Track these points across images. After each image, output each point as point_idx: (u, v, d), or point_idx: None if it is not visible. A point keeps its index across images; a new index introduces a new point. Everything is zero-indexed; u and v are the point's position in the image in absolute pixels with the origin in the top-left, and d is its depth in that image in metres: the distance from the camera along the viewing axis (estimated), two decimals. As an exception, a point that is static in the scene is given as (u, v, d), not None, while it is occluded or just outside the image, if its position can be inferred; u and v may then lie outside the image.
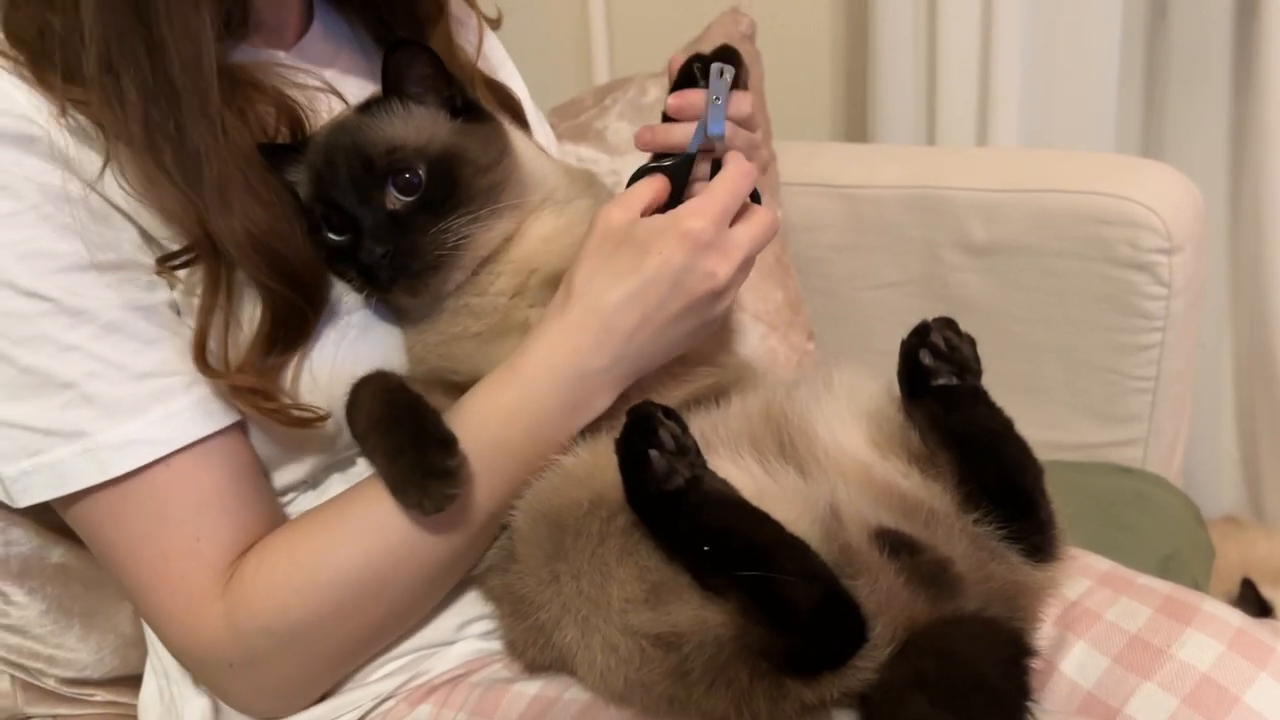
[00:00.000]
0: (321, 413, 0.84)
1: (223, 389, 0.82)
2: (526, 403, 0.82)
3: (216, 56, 0.81)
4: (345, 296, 0.88)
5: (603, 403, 0.84)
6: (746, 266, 0.85)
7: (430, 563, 0.84)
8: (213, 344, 0.81)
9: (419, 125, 0.87)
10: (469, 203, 0.85)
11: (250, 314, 0.83)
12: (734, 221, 0.84)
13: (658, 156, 0.88)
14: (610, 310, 0.81)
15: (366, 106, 0.89)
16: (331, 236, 0.85)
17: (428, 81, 0.88)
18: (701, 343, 0.93)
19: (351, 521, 0.83)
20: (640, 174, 0.87)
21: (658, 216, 0.83)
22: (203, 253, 0.81)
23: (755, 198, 0.87)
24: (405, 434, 0.79)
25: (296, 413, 0.83)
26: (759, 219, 0.85)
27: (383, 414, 0.81)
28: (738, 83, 0.88)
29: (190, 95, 0.78)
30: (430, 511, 0.77)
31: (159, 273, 0.82)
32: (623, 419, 0.76)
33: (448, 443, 0.78)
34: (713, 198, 0.83)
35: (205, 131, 0.78)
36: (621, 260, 0.81)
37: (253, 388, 0.81)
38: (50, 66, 0.78)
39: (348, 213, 0.84)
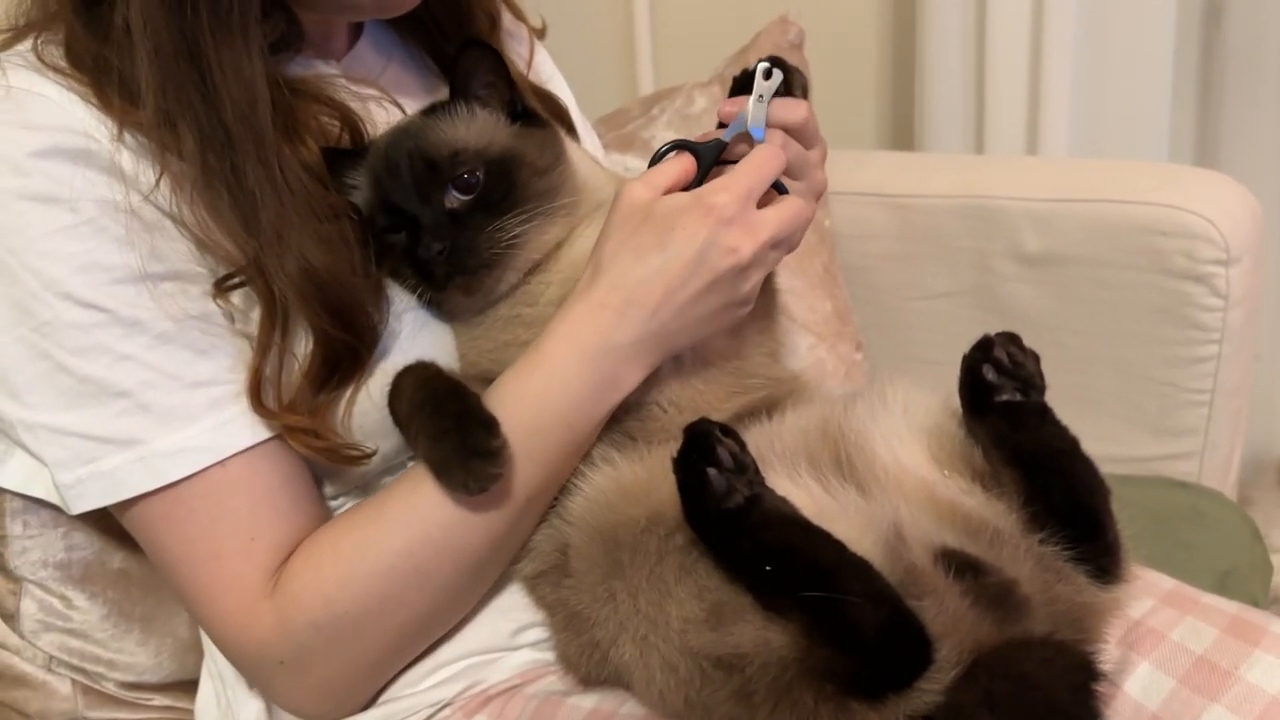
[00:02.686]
0: (369, 450, 0.85)
1: (276, 428, 0.83)
2: (554, 385, 0.82)
3: (273, 71, 0.82)
4: (396, 300, 0.89)
5: (631, 381, 0.84)
6: (777, 248, 0.84)
7: (470, 551, 0.84)
8: (268, 380, 0.83)
9: (481, 128, 0.89)
10: (524, 203, 0.87)
11: (304, 349, 0.84)
12: (762, 206, 0.84)
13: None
14: (633, 286, 0.81)
15: (431, 109, 0.91)
16: (389, 236, 0.87)
17: (493, 84, 0.91)
18: (753, 353, 0.94)
19: (392, 513, 0.84)
20: (665, 151, 0.87)
21: (681, 193, 0.83)
22: (258, 289, 0.82)
23: (779, 188, 0.86)
24: (448, 417, 0.80)
25: (346, 451, 0.85)
26: (787, 204, 0.85)
27: (425, 399, 0.81)
28: (791, 90, 0.88)
29: (245, 140, 0.79)
30: (475, 491, 0.78)
31: (215, 297, 0.83)
32: (679, 435, 0.76)
33: (490, 424, 0.79)
34: (737, 176, 0.83)
35: (262, 175, 0.80)
36: (645, 236, 0.81)
37: (305, 428, 0.83)
38: (111, 89, 0.80)
39: (408, 213, 0.86)
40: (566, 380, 0.82)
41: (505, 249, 0.86)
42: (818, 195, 0.92)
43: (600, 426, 0.85)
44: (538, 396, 0.82)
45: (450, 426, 0.79)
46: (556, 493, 0.87)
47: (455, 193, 0.86)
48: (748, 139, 0.86)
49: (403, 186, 0.86)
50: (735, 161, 0.86)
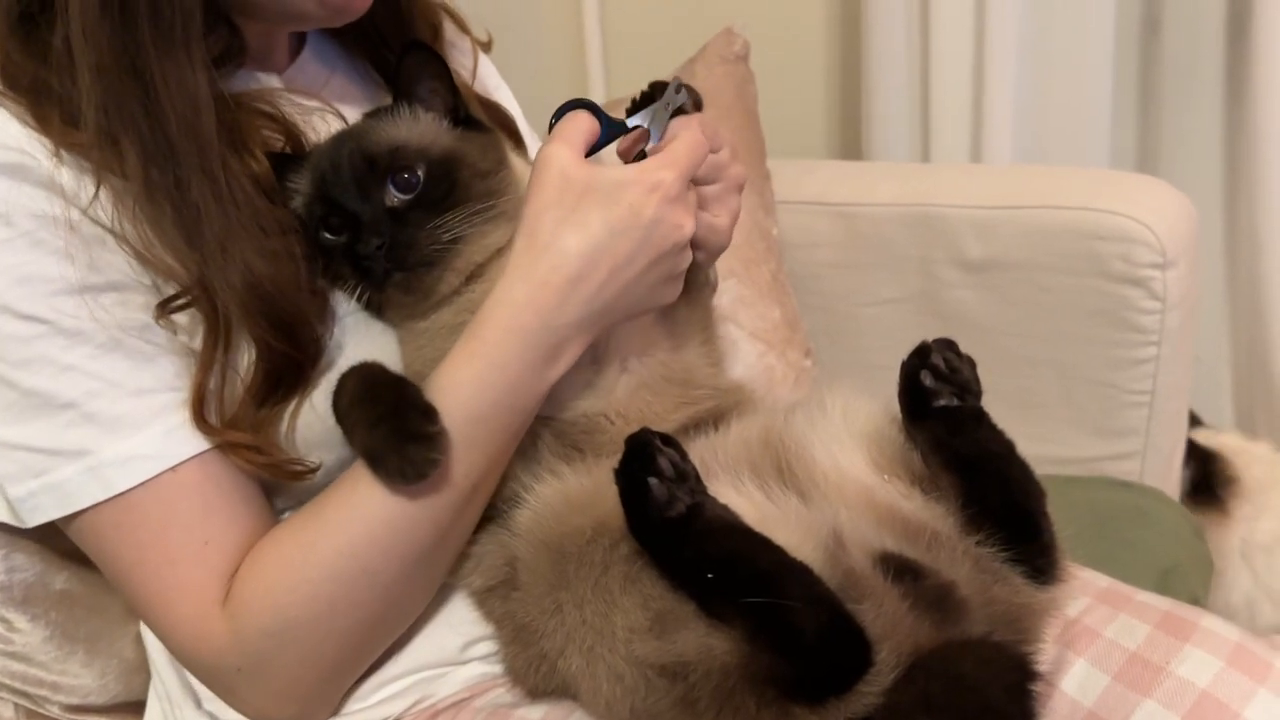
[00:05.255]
0: (313, 465, 0.85)
1: (217, 444, 0.83)
2: (496, 371, 0.81)
3: (215, 85, 0.81)
4: (339, 308, 0.88)
5: (571, 356, 0.83)
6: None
7: (417, 544, 0.83)
8: (210, 396, 0.82)
9: (423, 129, 0.90)
10: (465, 203, 0.87)
11: (247, 364, 0.83)
12: None
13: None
14: (578, 265, 0.80)
15: (374, 112, 0.92)
16: (328, 236, 0.86)
17: (436, 88, 0.91)
18: (698, 364, 0.95)
19: (333, 514, 0.82)
20: (570, 107, 0.87)
21: (625, 166, 0.83)
22: (201, 309, 0.81)
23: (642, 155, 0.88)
24: (384, 405, 0.79)
25: (289, 467, 0.84)
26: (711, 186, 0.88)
27: (365, 392, 0.81)
28: (682, 108, 0.91)
29: (189, 153, 0.78)
30: (412, 479, 0.77)
31: (158, 319, 0.82)
32: (622, 445, 0.77)
33: (428, 410, 0.78)
34: (677, 155, 0.83)
35: (206, 188, 0.79)
36: (588, 211, 0.80)
37: (247, 444, 0.82)
38: (49, 110, 0.79)
39: (348, 210, 0.85)
40: (508, 365, 0.81)
41: (445, 247, 0.86)
42: (740, 187, 0.94)
43: (541, 402, 0.84)
44: (479, 384, 0.81)
45: (386, 413, 0.78)
46: (499, 479, 0.86)
47: (395, 191, 0.86)
48: (645, 137, 0.89)
49: (343, 184, 0.86)
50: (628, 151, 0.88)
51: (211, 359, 0.82)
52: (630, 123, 0.88)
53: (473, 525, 0.87)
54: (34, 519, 0.82)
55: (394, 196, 0.86)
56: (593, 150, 0.86)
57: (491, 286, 0.88)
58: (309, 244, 0.86)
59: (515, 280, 0.81)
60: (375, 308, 0.90)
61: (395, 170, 0.86)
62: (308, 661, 0.84)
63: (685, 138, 0.85)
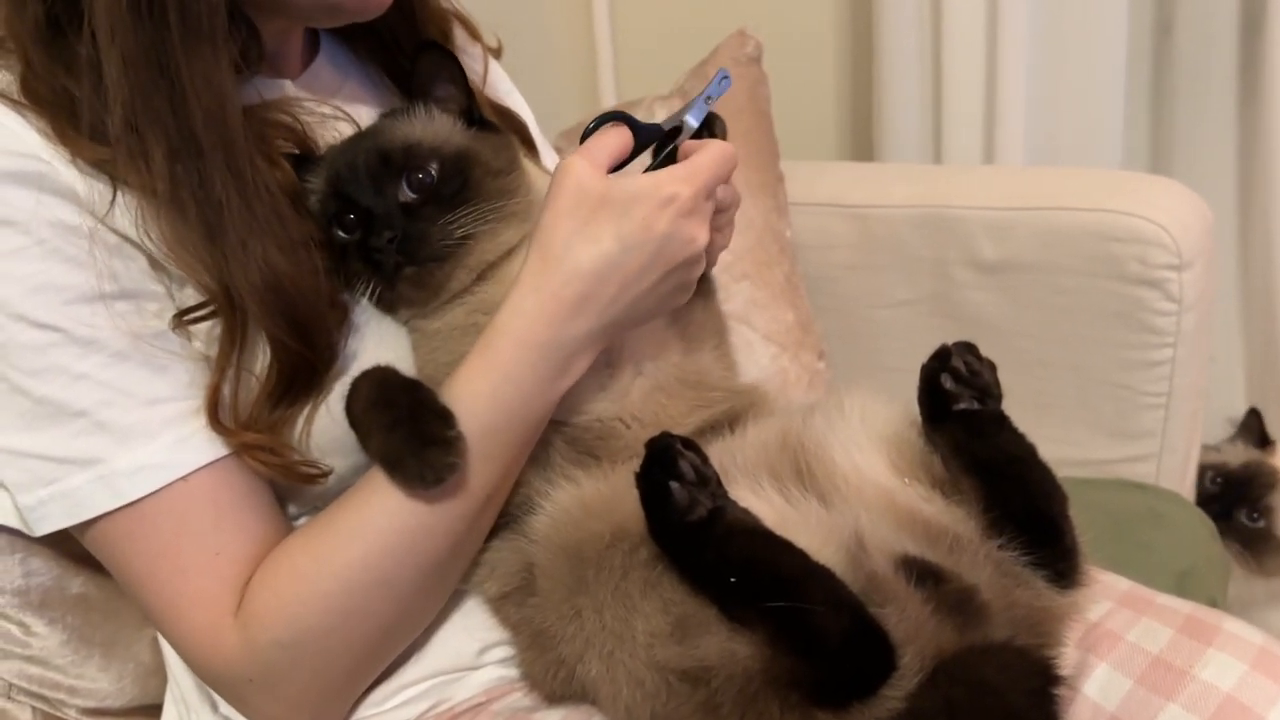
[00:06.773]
0: (325, 469, 0.85)
1: (233, 445, 0.83)
2: (509, 384, 0.81)
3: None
4: (358, 315, 0.88)
5: (582, 367, 0.83)
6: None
7: (433, 554, 0.83)
8: (225, 398, 0.82)
9: (437, 128, 0.90)
10: (477, 200, 0.87)
11: (262, 366, 0.83)
12: None
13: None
14: (590, 279, 0.80)
15: (390, 113, 0.93)
16: (341, 234, 0.87)
17: (451, 89, 0.92)
18: (712, 367, 0.94)
19: (347, 524, 0.82)
20: (603, 120, 0.86)
21: (638, 178, 0.82)
22: (220, 308, 0.81)
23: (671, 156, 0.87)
24: (400, 409, 0.79)
25: (303, 469, 0.84)
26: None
27: (379, 396, 0.81)
28: (713, 132, 0.90)
29: (215, 149, 0.78)
30: (431, 483, 0.77)
31: (175, 329, 0.82)
32: (641, 451, 0.76)
33: (445, 414, 0.78)
34: (699, 170, 0.83)
35: (230, 183, 0.79)
36: (601, 225, 0.80)
37: (261, 445, 0.82)
38: (71, 126, 0.79)
39: (361, 206, 0.86)
40: (521, 378, 0.81)
41: (457, 243, 0.86)
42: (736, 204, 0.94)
43: (552, 411, 0.85)
44: (493, 397, 0.81)
45: (403, 416, 0.78)
46: (510, 488, 0.86)
47: (409, 187, 0.87)
48: (677, 133, 0.88)
49: (358, 181, 0.86)
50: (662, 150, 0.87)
51: (228, 361, 0.82)
52: (666, 125, 0.88)
53: (485, 534, 0.88)
54: (42, 528, 0.82)
55: (407, 193, 0.87)
56: (631, 158, 0.86)
57: (503, 288, 0.88)
58: (334, 263, 0.86)
59: (527, 292, 0.82)
60: (387, 305, 0.89)
61: (409, 167, 0.86)
62: (320, 671, 0.85)
63: (713, 151, 0.84)
